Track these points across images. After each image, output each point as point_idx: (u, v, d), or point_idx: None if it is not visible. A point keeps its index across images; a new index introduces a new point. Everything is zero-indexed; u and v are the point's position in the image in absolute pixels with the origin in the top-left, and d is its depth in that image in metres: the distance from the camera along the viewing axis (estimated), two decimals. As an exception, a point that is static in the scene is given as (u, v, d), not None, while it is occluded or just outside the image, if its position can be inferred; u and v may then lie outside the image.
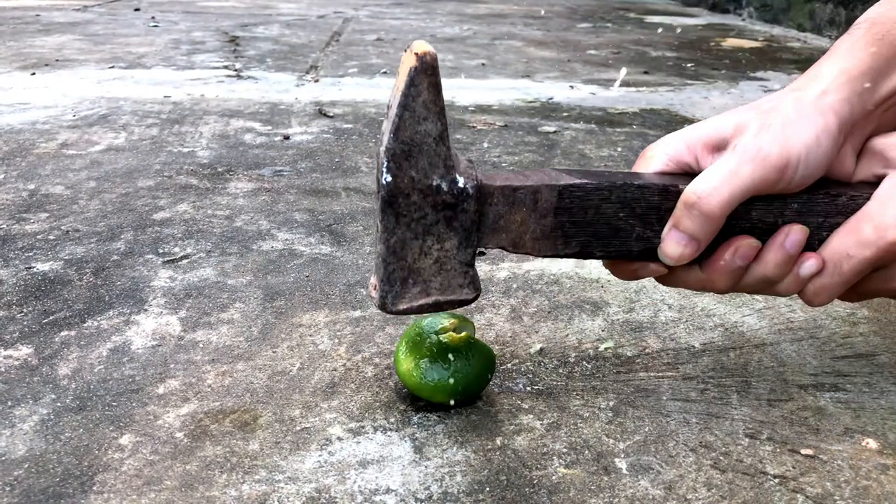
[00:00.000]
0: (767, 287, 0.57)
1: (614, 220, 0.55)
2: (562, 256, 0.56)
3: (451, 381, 0.59)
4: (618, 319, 0.75)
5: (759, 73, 2.16)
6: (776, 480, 0.53)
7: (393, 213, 0.51)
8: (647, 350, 0.70)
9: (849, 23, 2.79)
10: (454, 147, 0.54)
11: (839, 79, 0.54)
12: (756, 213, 0.54)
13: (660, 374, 0.66)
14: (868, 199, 0.54)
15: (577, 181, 0.54)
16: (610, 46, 2.63)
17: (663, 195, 0.54)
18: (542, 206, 0.54)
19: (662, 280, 0.58)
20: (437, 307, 0.54)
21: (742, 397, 0.63)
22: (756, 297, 0.80)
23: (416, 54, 0.49)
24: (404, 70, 0.50)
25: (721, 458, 0.56)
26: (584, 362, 0.68)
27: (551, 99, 1.78)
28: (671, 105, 1.75)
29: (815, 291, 0.56)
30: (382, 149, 0.50)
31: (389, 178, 0.50)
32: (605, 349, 0.70)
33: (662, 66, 2.26)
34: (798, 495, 0.52)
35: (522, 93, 1.84)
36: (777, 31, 3.14)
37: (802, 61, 2.39)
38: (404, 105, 0.49)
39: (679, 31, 3.09)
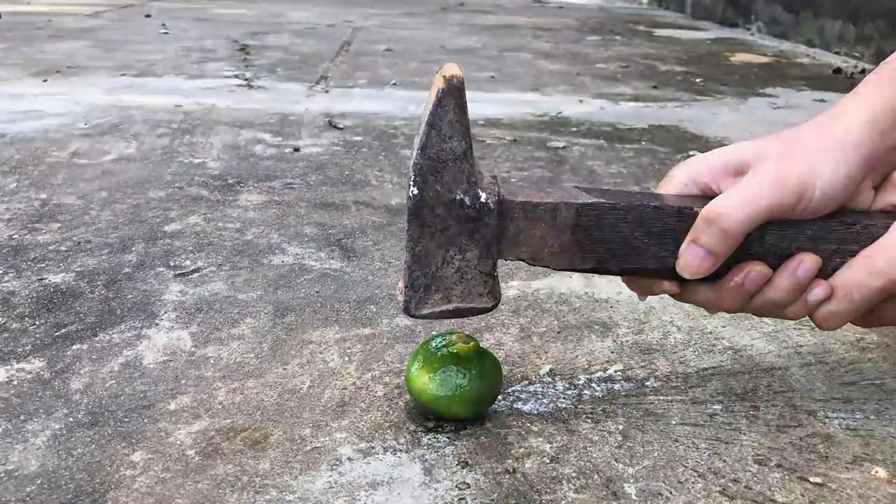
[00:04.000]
0: (776, 311, 0.58)
1: (630, 239, 0.56)
2: (579, 271, 0.58)
3: (469, 389, 0.60)
4: (627, 341, 0.76)
5: (769, 90, 2.17)
6: (785, 509, 0.53)
7: (418, 224, 0.55)
8: (656, 373, 0.70)
9: (858, 40, 2.79)
10: (478, 163, 0.56)
11: (863, 118, 0.55)
12: (770, 237, 0.56)
13: (669, 398, 0.66)
14: (883, 228, 0.55)
15: (595, 200, 0.56)
16: (619, 60, 2.63)
17: (679, 217, 0.56)
18: (561, 222, 0.56)
19: (675, 297, 0.60)
20: (457, 313, 0.57)
21: (751, 422, 0.63)
22: (765, 320, 0.80)
23: (445, 77, 0.53)
24: (434, 91, 0.53)
25: (730, 484, 0.56)
26: (594, 384, 0.68)
27: (560, 113, 1.79)
28: (680, 121, 1.75)
29: (825, 317, 0.57)
30: (411, 163, 0.54)
31: (416, 191, 0.54)
32: (615, 372, 0.70)
33: (671, 81, 2.26)
34: (807, 524, 0.52)
35: (532, 107, 1.85)
36: (786, 46, 3.15)
37: (811, 77, 2.39)
38: (431, 124, 0.53)
39: (688, 45, 3.09)
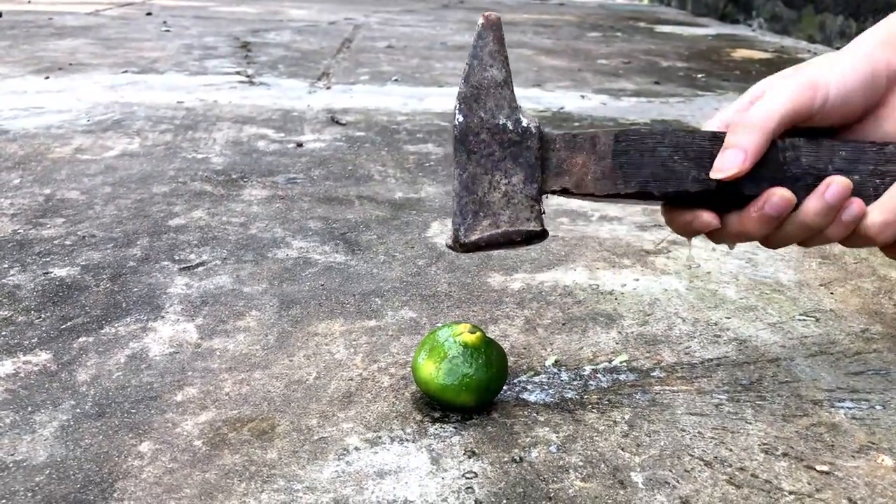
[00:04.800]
0: (814, 236, 0.58)
1: (669, 163, 0.57)
2: (623, 197, 0.58)
3: (475, 377, 0.60)
4: (632, 332, 0.76)
5: (770, 85, 2.16)
6: (792, 497, 0.54)
7: (465, 150, 0.57)
8: (661, 363, 0.70)
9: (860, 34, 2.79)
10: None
11: (879, 35, 0.58)
12: (805, 159, 0.56)
13: (674, 388, 0.66)
14: None
15: (632, 127, 0.58)
16: (620, 56, 2.63)
17: (714, 140, 0.57)
18: (601, 149, 0.58)
19: (713, 236, 0.60)
20: (506, 238, 0.57)
21: (757, 412, 0.63)
22: (768, 311, 0.80)
23: (484, 15, 0.58)
24: (476, 30, 0.58)
25: (737, 473, 0.56)
26: (599, 375, 0.68)
27: (562, 108, 1.79)
28: (682, 116, 1.75)
29: (877, 230, 0.56)
30: (458, 93, 0.57)
31: (461, 118, 0.57)
32: (620, 363, 0.70)
33: (673, 77, 2.26)
34: (814, 512, 0.52)
35: (534, 102, 1.85)
36: (787, 42, 3.15)
37: (813, 73, 2.39)
38: (473, 55, 0.57)
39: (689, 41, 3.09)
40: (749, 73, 2.35)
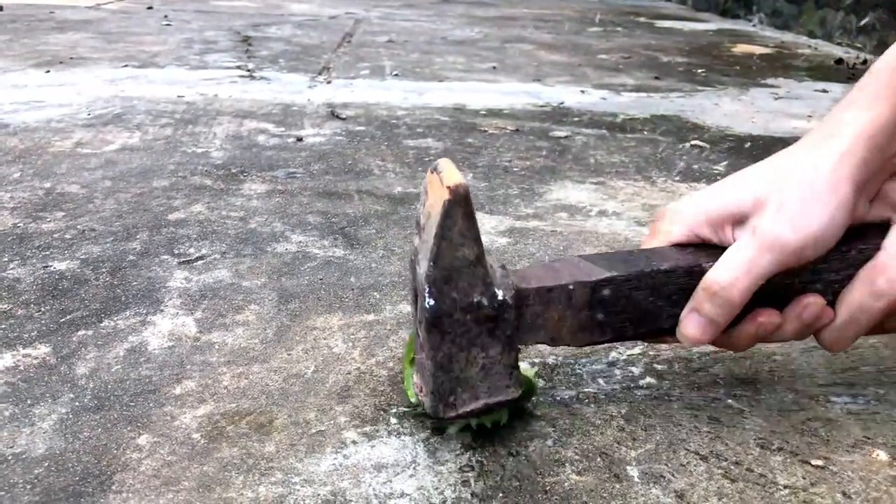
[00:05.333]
0: (783, 341, 0.60)
1: (644, 305, 0.58)
2: (599, 344, 0.60)
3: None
4: (629, 327, 0.76)
5: (770, 80, 2.17)
6: (787, 491, 0.54)
7: (438, 333, 0.54)
8: (658, 358, 0.70)
9: (860, 30, 2.79)
10: (487, 256, 0.56)
11: (859, 136, 0.55)
12: (776, 280, 0.56)
13: (671, 383, 0.67)
14: (877, 249, 0.56)
15: (608, 275, 0.57)
16: (620, 51, 2.63)
17: (689, 276, 0.57)
18: (577, 302, 0.57)
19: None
20: (486, 409, 0.57)
21: (753, 407, 0.63)
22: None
23: (449, 188, 0.51)
24: (437, 200, 0.52)
25: (732, 467, 0.56)
26: (596, 369, 0.68)
27: (562, 103, 1.79)
28: (682, 111, 1.75)
29: (833, 341, 0.59)
30: (422, 274, 0.53)
31: (432, 302, 0.53)
32: (617, 356, 0.70)
33: (673, 72, 2.26)
34: (808, 506, 0.53)
35: (533, 97, 1.85)
36: (788, 37, 3.14)
37: (813, 68, 2.39)
38: (441, 235, 0.52)
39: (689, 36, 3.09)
40: (749, 69, 2.35)
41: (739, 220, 0.56)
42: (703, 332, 0.57)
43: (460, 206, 0.52)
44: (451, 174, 0.52)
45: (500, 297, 0.54)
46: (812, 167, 0.55)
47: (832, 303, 0.58)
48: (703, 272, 0.56)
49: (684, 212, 0.60)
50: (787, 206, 0.54)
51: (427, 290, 0.53)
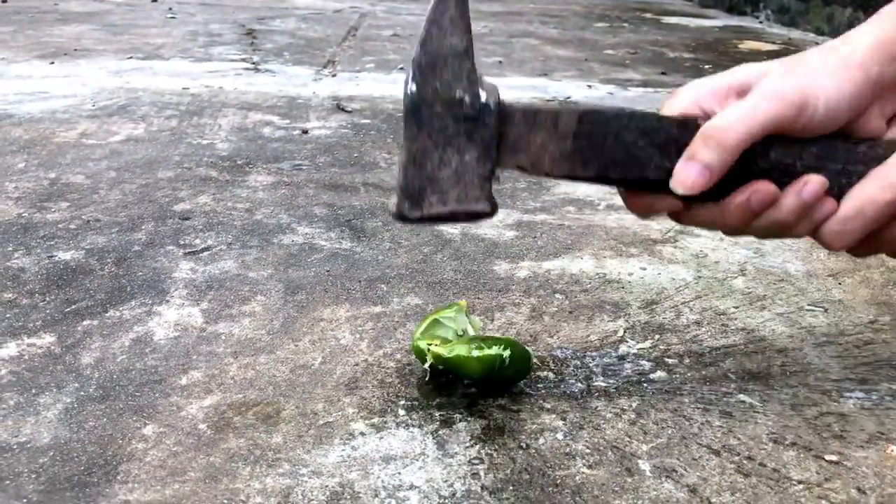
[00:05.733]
0: (781, 231, 0.57)
1: (632, 148, 0.55)
2: (579, 179, 0.56)
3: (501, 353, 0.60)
4: (639, 321, 0.75)
5: (778, 77, 2.15)
6: (801, 486, 0.53)
7: (415, 122, 0.52)
8: (668, 352, 0.70)
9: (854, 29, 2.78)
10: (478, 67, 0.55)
11: (871, 42, 0.54)
12: (774, 154, 0.54)
13: (682, 377, 0.66)
14: (890, 150, 0.54)
15: (598, 107, 0.55)
16: (627, 46, 2.62)
17: (682, 128, 0.54)
18: (562, 129, 0.54)
19: (676, 216, 0.58)
20: (452, 217, 0.55)
21: (765, 402, 0.63)
22: (777, 301, 0.80)
23: None
24: None
25: (745, 462, 0.55)
26: (606, 363, 0.68)
27: (569, 98, 1.78)
28: (689, 106, 1.74)
29: (833, 234, 0.55)
30: (412, 59, 0.52)
31: (414, 88, 0.52)
32: (628, 350, 0.70)
33: (680, 68, 2.25)
34: (823, 502, 0.52)
35: (540, 91, 1.84)
36: (795, 34, 3.13)
37: (821, 65, 2.38)
38: (432, 20, 0.51)
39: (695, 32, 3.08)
40: (756, 65, 2.34)
41: (744, 91, 0.55)
42: (696, 178, 0.53)
43: None
44: None
45: (482, 99, 0.53)
46: (824, 53, 0.55)
47: (837, 199, 0.55)
48: (697, 127, 0.54)
49: (692, 87, 0.58)
50: (795, 71, 0.54)
51: (411, 74, 0.52)
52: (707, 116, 0.56)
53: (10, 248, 0.87)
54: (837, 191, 0.55)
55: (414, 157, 0.53)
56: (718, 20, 3.58)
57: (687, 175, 0.54)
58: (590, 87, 1.92)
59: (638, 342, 0.71)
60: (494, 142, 0.54)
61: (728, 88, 0.56)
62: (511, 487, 0.52)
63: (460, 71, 0.52)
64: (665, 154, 0.54)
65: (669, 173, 0.55)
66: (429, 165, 0.53)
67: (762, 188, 0.54)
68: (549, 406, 0.61)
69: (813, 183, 0.54)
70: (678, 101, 0.57)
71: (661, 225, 1.01)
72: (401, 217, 0.54)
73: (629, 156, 0.55)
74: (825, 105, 0.53)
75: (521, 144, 0.54)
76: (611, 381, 0.65)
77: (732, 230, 0.57)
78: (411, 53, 0.53)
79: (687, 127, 0.54)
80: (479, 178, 0.54)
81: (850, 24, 2.87)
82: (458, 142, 0.53)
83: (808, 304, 0.79)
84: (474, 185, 0.54)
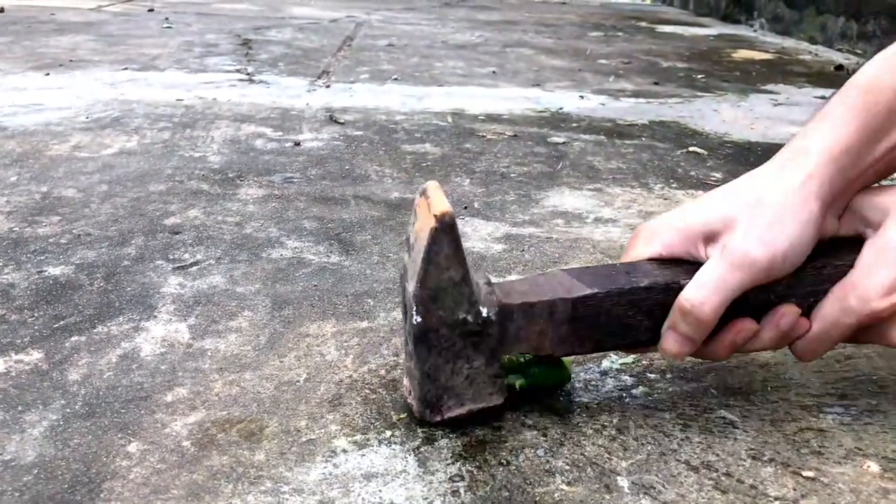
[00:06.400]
0: (760, 350, 0.63)
1: (624, 319, 0.60)
2: (579, 354, 0.62)
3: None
4: (623, 335, 0.76)
5: (770, 86, 2.16)
6: (777, 502, 0.54)
7: (425, 347, 0.57)
8: (651, 367, 0.70)
9: (860, 37, 2.79)
10: (472, 270, 0.58)
11: (824, 158, 0.57)
12: (751, 295, 0.59)
13: (663, 392, 0.66)
14: (850, 266, 0.58)
15: (589, 291, 0.59)
16: (621, 56, 2.63)
17: (666, 292, 0.59)
18: (558, 317, 0.59)
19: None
20: (470, 416, 0.60)
21: (745, 417, 0.63)
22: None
23: (436, 216, 0.54)
24: (425, 225, 0.55)
25: (723, 478, 0.56)
26: (589, 378, 0.68)
27: (561, 109, 1.79)
28: (681, 117, 1.75)
29: (805, 351, 0.61)
30: (411, 292, 0.56)
31: (419, 319, 0.56)
32: (610, 365, 0.70)
33: (673, 77, 2.26)
34: (798, 518, 0.52)
35: (533, 102, 1.85)
36: (788, 43, 3.14)
37: (813, 74, 2.39)
38: (428, 259, 0.55)
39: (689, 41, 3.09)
40: (749, 74, 2.35)
41: (711, 238, 0.59)
42: (680, 348, 0.59)
43: (447, 233, 0.55)
44: (438, 201, 0.55)
45: (484, 314, 0.57)
46: (779, 187, 0.57)
47: (807, 315, 0.60)
48: (679, 288, 0.58)
49: (659, 230, 0.62)
50: (755, 224, 0.56)
51: (415, 308, 0.56)
52: (684, 264, 0.60)
53: (1, 264, 0.87)
54: (807, 309, 0.60)
55: (427, 373, 0.58)
56: (713, 29, 3.60)
57: (671, 346, 0.60)
58: (582, 97, 1.93)
59: (620, 357, 0.72)
60: (499, 344, 0.59)
61: (695, 236, 0.60)
62: (490, 505, 0.53)
63: (460, 297, 0.57)
64: (653, 318, 0.60)
65: (658, 334, 0.61)
66: (442, 377, 0.58)
67: (744, 326, 0.60)
68: (530, 422, 0.62)
69: (788, 315, 0.60)
70: (645, 247, 0.62)
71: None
72: (423, 421, 0.59)
73: (622, 326, 0.60)
74: (792, 253, 0.57)
75: (521, 335, 0.60)
76: (593, 397, 0.66)
77: (720, 360, 0.63)
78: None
79: (670, 290, 0.59)
80: (489, 378, 0.59)
81: (843, 34, 2.88)
82: (465, 353, 0.58)
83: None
84: (486, 383, 0.60)
